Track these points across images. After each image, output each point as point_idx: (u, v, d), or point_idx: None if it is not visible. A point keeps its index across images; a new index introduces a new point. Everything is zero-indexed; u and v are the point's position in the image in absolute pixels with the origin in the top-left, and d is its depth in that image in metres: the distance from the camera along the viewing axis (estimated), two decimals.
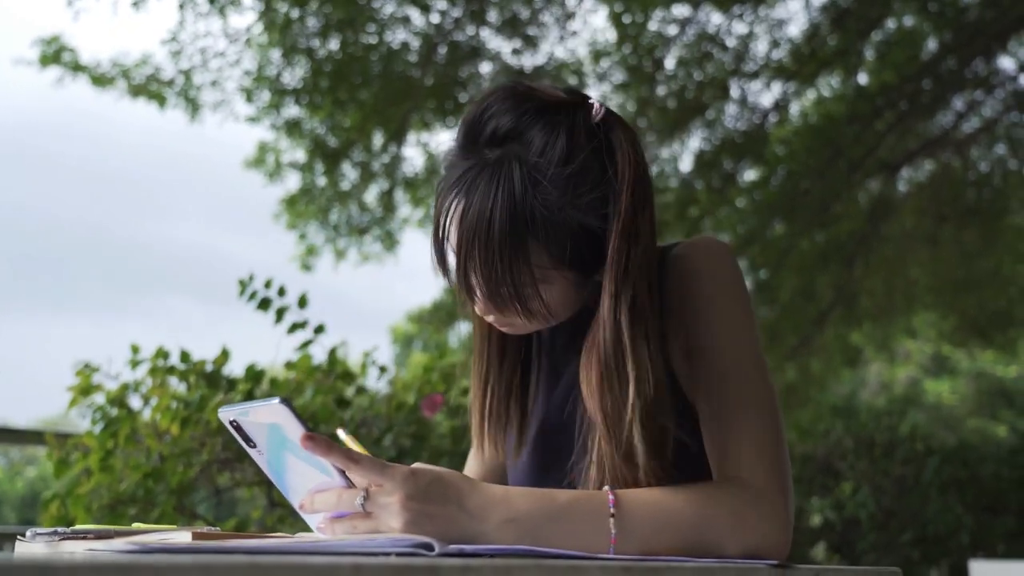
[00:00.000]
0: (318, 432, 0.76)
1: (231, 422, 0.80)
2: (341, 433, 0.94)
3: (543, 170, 0.89)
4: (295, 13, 5.62)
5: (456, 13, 5.94)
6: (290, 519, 2.44)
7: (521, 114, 0.92)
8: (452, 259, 0.93)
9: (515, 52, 6.14)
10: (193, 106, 6.12)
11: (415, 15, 5.92)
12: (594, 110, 0.95)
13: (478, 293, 0.94)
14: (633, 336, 0.91)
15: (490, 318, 1.00)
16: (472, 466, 1.24)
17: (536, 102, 0.93)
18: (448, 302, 8.03)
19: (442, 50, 6.06)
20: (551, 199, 0.89)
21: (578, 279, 0.95)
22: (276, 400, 0.75)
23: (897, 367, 14.94)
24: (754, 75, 6.67)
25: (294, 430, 0.75)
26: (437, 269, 0.96)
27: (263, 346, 2.60)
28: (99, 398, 2.42)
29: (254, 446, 0.82)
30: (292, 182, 7.13)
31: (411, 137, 6.93)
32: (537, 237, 0.89)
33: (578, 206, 0.90)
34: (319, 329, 2.55)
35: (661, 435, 0.90)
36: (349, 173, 7.04)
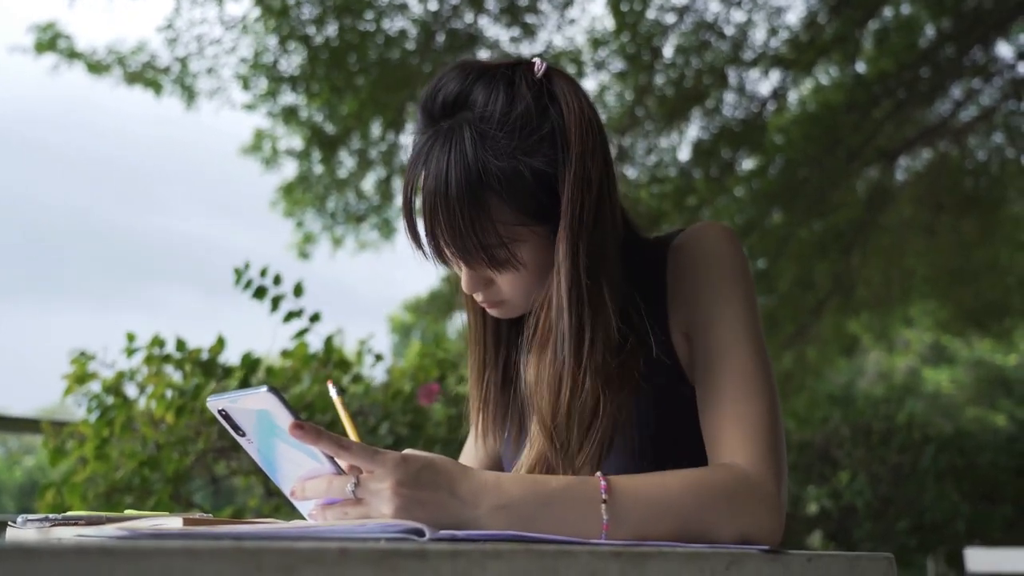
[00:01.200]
0: (313, 420, 0.76)
1: (220, 411, 0.80)
2: (332, 390, 0.94)
3: (488, 122, 0.92)
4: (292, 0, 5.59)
5: (454, 0, 5.91)
6: (286, 508, 2.44)
7: (464, 80, 0.95)
8: (422, 230, 0.96)
9: (513, 40, 6.11)
10: (189, 93, 6.10)
11: (413, 2, 5.89)
12: (536, 66, 0.98)
13: (449, 255, 0.96)
14: (591, 287, 0.92)
15: (478, 297, 1.01)
16: (469, 453, 1.24)
17: (479, 68, 0.97)
18: (445, 292, 8.03)
19: (440, 38, 6.04)
20: (500, 148, 0.92)
21: (547, 233, 0.96)
22: (264, 389, 0.75)
23: (896, 356, 14.96)
24: (752, 63, 6.65)
25: (283, 418, 0.75)
26: (411, 243, 0.98)
27: (259, 335, 2.60)
28: (95, 386, 2.41)
29: (243, 435, 0.82)
30: (289, 170, 7.12)
31: (409, 125, 6.91)
32: (494, 190, 0.92)
33: (528, 152, 0.93)
34: (315, 318, 2.54)
35: (595, 406, 0.91)
36: (346, 161, 7.02)
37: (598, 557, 0.60)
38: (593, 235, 0.94)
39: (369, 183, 7.24)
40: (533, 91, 0.95)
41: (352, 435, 0.91)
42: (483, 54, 6.28)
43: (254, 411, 0.78)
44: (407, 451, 0.78)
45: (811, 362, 8.70)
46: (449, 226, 0.92)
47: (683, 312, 1.00)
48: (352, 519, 0.75)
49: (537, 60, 1.00)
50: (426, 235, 0.96)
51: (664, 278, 1.03)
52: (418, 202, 0.95)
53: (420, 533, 0.65)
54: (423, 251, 0.98)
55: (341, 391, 0.96)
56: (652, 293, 1.02)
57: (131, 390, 2.43)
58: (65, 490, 2.27)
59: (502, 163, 0.92)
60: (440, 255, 0.96)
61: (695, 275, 0.99)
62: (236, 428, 0.81)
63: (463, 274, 1.00)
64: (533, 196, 0.94)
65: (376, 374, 2.86)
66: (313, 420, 2.14)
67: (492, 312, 1.03)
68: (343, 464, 0.78)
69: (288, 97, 6.35)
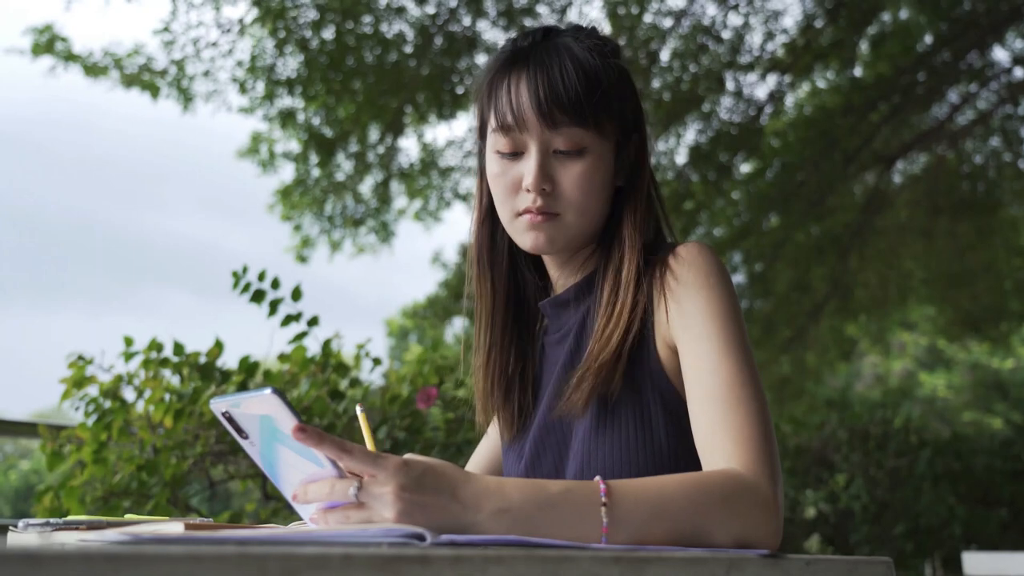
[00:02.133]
0: (311, 424, 0.76)
1: (223, 413, 0.80)
2: (359, 410, 0.96)
3: (577, 36, 1.07)
4: (289, 2, 5.59)
5: (452, 3, 5.92)
6: (284, 512, 2.44)
7: (555, 27, 1.11)
8: (527, 101, 1.03)
9: None
10: (186, 96, 6.10)
11: (411, 5, 5.90)
12: None
13: (548, 116, 1.02)
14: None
15: (536, 203, 1.04)
16: (481, 453, 1.26)
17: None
18: (444, 297, 8.03)
19: (438, 41, 6.04)
20: (593, 49, 1.05)
21: (615, 139, 1.08)
22: (268, 390, 0.75)
23: (892, 359, 14.99)
24: (749, 67, 6.67)
25: (286, 421, 0.75)
26: (497, 118, 1.05)
27: (257, 338, 2.59)
28: (92, 390, 2.41)
29: (246, 437, 0.82)
30: (286, 173, 7.12)
31: (407, 128, 6.92)
32: (602, 75, 1.04)
33: (614, 62, 1.07)
34: (313, 321, 2.54)
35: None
36: (344, 164, 7.03)
37: (599, 562, 0.61)
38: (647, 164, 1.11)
39: (367, 186, 7.25)
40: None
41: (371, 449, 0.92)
42: (481, 58, 6.29)
43: (257, 415, 0.78)
44: (408, 455, 0.79)
45: (809, 366, 8.70)
46: (564, 80, 1.01)
47: (666, 324, 1.02)
48: (354, 523, 0.76)
49: None
50: (541, 102, 1.02)
51: (649, 290, 1.05)
52: (525, 82, 1.03)
53: (421, 538, 0.65)
54: (511, 123, 1.03)
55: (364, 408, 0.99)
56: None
57: (129, 394, 2.42)
58: (63, 494, 2.26)
59: (598, 57, 1.04)
60: (551, 118, 1.02)
61: (680, 289, 1.01)
62: (239, 430, 0.81)
63: (535, 166, 1.03)
64: (618, 96, 1.06)
65: (374, 378, 2.86)
66: (311, 424, 2.14)
67: (534, 237, 1.06)
68: (345, 468, 0.78)
69: (285, 100, 6.35)
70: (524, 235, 1.06)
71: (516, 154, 1.05)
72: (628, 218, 1.08)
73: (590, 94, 1.02)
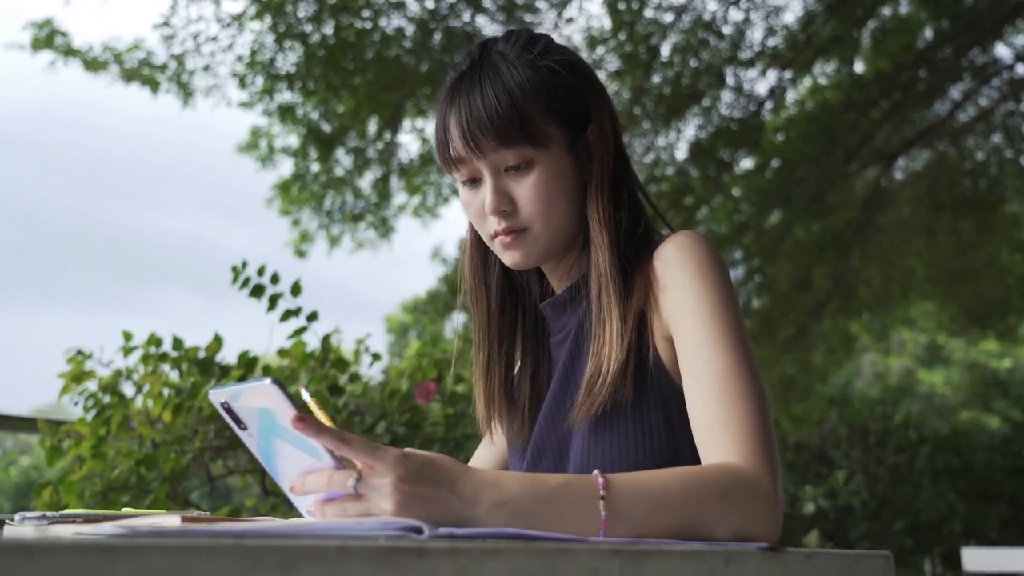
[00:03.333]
0: (312, 417, 0.76)
1: (222, 404, 0.80)
2: (304, 394, 0.93)
3: (513, 48, 1.06)
4: None
5: None
6: (283, 507, 2.44)
7: (488, 39, 1.11)
8: (456, 134, 1.04)
9: None
10: (185, 91, 6.09)
11: (410, 0, 5.89)
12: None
13: (486, 142, 1.03)
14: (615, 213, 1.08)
15: (500, 226, 1.06)
16: (482, 455, 1.26)
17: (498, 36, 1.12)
18: (443, 292, 8.02)
19: (437, 36, 6.03)
20: (524, 61, 1.04)
21: (569, 138, 1.06)
22: (267, 381, 0.74)
23: (892, 357, 14.99)
24: (750, 63, 6.66)
25: (285, 412, 0.75)
26: (440, 161, 1.08)
27: (256, 333, 2.59)
28: (91, 385, 2.41)
29: (245, 428, 0.82)
30: (285, 168, 7.11)
31: (406, 123, 6.91)
32: (523, 89, 1.03)
33: (549, 64, 1.05)
34: (312, 316, 2.54)
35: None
36: (343, 159, 7.02)
37: (597, 555, 0.60)
38: (616, 147, 1.08)
39: (366, 182, 7.24)
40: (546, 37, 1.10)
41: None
42: None
43: (256, 407, 0.78)
44: (407, 449, 0.78)
45: (815, 366, 8.69)
46: (486, 110, 1.02)
47: (662, 316, 1.01)
48: (352, 515, 0.75)
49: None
50: (461, 134, 1.03)
51: (646, 282, 1.04)
52: (453, 114, 1.05)
53: (419, 531, 0.65)
54: (450, 160, 1.06)
55: (313, 394, 0.96)
56: (638, 296, 1.05)
57: (128, 389, 2.42)
58: (62, 489, 2.26)
59: (528, 68, 1.04)
60: (473, 150, 1.03)
61: (673, 280, 1.00)
62: (238, 421, 0.81)
63: (489, 190, 1.04)
64: (557, 97, 1.04)
65: (373, 373, 2.86)
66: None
67: (511, 256, 1.07)
68: (343, 459, 0.78)
69: (285, 95, 6.35)
70: (503, 255, 1.08)
71: (475, 180, 1.07)
72: (591, 214, 1.06)
73: (514, 112, 1.01)
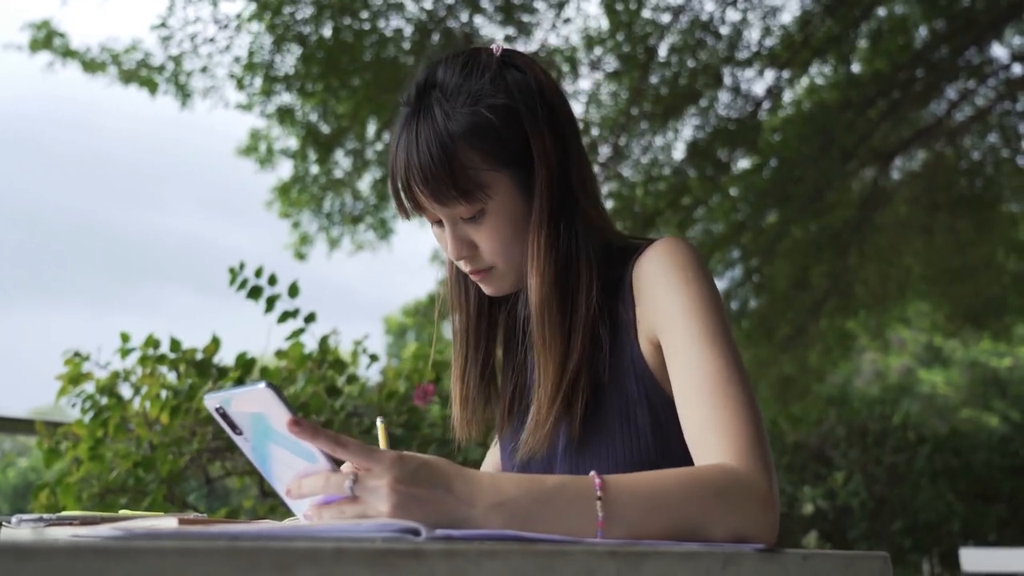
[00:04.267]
0: (308, 420, 0.75)
1: (216, 409, 0.79)
2: (379, 422, 1.00)
3: (449, 85, 1.03)
4: None
5: (449, 0, 5.91)
6: (281, 509, 2.43)
7: (428, 68, 1.07)
8: (402, 191, 1.04)
9: (508, 39, 6.11)
10: (183, 92, 6.09)
11: (408, 1, 5.89)
12: (494, 47, 1.08)
13: (426, 202, 1.03)
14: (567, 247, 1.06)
15: (466, 268, 1.08)
16: (489, 460, 1.27)
17: (442, 56, 1.08)
18: (443, 294, 8.02)
19: (435, 37, 6.03)
20: (461, 101, 1.02)
21: (517, 180, 1.04)
22: (262, 385, 0.74)
23: (891, 356, 15.00)
24: (747, 63, 6.66)
25: (280, 416, 0.75)
26: (397, 207, 1.07)
27: (254, 335, 2.59)
28: (89, 387, 2.41)
29: (240, 433, 0.81)
30: (285, 170, 7.11)
31: None
32: (461, 136, 1.01)
33: (488, 103, 1.02)
34: (310, 318, 2.53)
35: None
36: (342, 161, 7.02)
37: (594, 556, 0.60)
38: (562, 182, 1.05)
39: (365, 183, 7.24)
40: (491, 60, 1.06)
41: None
42: None
43: (251, 412, 0.78)
44: (403, 452, 0.78)
45: (812, 365, 8.70)
46: (421, 171, 1.01)
47: (648, 320, 1.02)
48: (348, 517, 0.75)
49: (496, 43, 1.09)
50: (403, 190, 1.04)
51: (630, 288, 1.05)
52: (399, 169, 1.04)
53: (416, 532, 0.65)
54: (405, 209, 1.06)
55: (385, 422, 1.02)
56: (621, 301, 1.05)
57: (125, 390, 2.42)
58: (59, 491, 2.26)
59: (465, 111, 1.01)
60: (418, 206, 1.04)
61: (657, 284, 1.01)
62: (233, 426, 0.81)
63: (448, 238, 1.06)
64: (498, 141, 1.02)
65: (371, 375, 2.85)
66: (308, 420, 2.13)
67: (485, 288, 1.10)
68: (338, 462, 0.78)
69: (283, 97, 6.34)
70: (480, 287, 1.12)
71: (439, 221, 1.08)
72: (527, 254, 1.05)
73: (447, 172, 1.00)
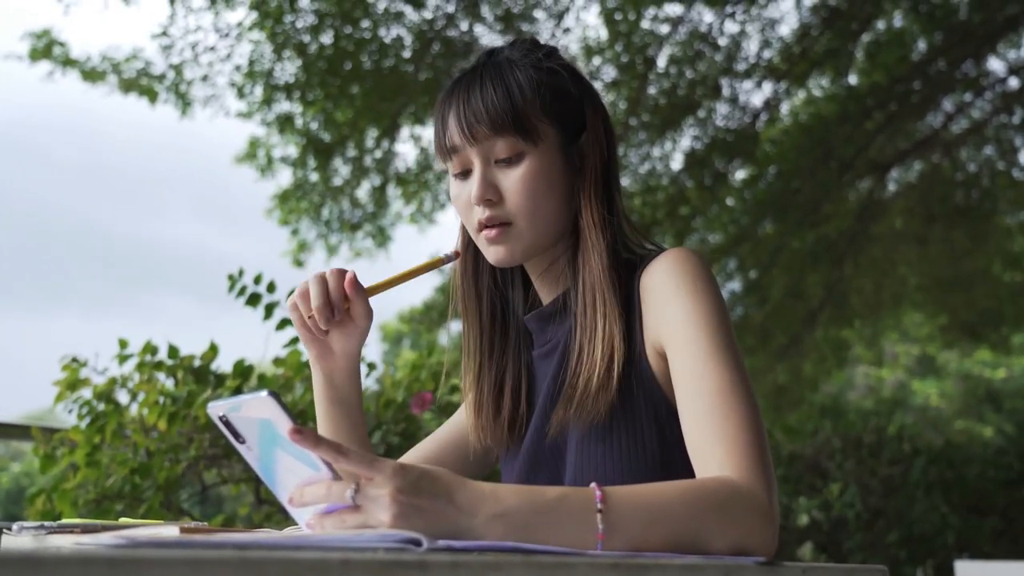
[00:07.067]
0: (309, 429, 0.76)
1: (220, 417, 0.80)
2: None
3: (516, 51, 1.10)
4: (287, 6, 5.60)
5: (449, 9, 5.93)
6: (277, 516, 2.43)
7: (499, 47, 1.14)
8: (452, 123, 1.07)
9: None
10: (184, 101, 6.09)
11: (409, 10, 5.91)
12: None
13: (474, 134, 1.05)
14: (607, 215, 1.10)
15: (485, 215, 1.07)
16: (455, 421, 1.26)
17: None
18: (440, 302, 8.02)
19: (435, 46, 6.05)
20: (528, 62, 1.08)
21: (563, 140, 1.08)
22: (264, 393, 0.74)
23: (885, 369, 15.02)
24: (745, 74, 6.69)
25: (282, 424, 0.75)
26: (436, 151, 1.11)
27: (252, 342, 2.59)
28: (86, 393, 2.40)
29: (243, 442, 0.82)
30: (284, 178, 7.11)
31: (404, 133, 6.92)
32: (530, 83, 1.06)
33: (550, 68, 1.09)
34: None
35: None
36: (341, 169, 7.02)
37: (596, 569, 0.61)
38: (605, 173, 1.09)
39: (364, 191, 7.25)
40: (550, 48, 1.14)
41: None
42: None
43: (255, 419, 0.78)
44: (404, 462, 0.79)
45: (807, 376, 8.71)
46: (482, 97, 1.05)
47: (655, 330, 1.02)
48: (350, 527, 0.75)
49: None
50: (455, 118, 1.06)
51: (637, 297, 1.05)
52: (452, 106, 1.08)
53: (417, 543, 0.65)
54: (445, 149, 1.08)
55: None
56: (628, 310, 1.06)
57: (123, 397, 2.42)
58: (55, 497, 2.25)
59: (533, 66, 1.08)
60: (455, 148, 1.07)
61: (663, 294, 1.01)
62: (236, 435, 0.81)
63: (477, 179, 1.06)
64: (558, 96, 1.07)
65: (369, 383, 2.85)
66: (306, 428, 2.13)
67: (493, 252, 1.08)
68: (341, 471, 0.78)
69: (283, 105, 6.35)
70: (487, 251, 1.09)
71: (467, 172, 1.08)
72: (586, 216, 1.07)
73: (509, 104, 1.04)
